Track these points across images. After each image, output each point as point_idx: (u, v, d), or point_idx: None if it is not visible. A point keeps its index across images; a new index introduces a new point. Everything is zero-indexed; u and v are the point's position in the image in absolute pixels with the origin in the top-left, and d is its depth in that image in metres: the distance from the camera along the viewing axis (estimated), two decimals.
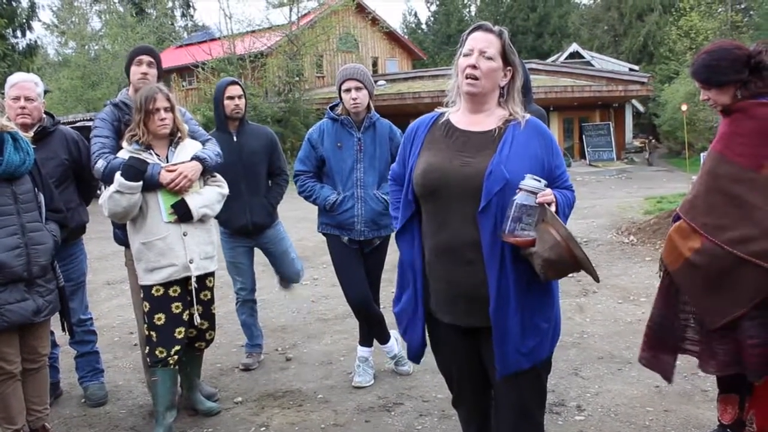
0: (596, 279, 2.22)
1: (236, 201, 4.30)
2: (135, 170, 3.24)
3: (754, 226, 2.62)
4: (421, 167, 2.31)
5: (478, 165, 2.21)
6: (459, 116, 2.38)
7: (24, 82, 3.71)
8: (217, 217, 4.40)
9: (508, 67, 2.32)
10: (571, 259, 2.10)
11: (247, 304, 4.59)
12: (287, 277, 4.68)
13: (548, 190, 2.16)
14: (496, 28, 2.32)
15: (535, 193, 2.13)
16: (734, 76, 2.73)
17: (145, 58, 3.64)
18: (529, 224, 2.12)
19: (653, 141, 29.03)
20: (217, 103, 4.38)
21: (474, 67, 2.25)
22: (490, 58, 2.26)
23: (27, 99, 3.66)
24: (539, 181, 2.15)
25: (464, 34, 2.35)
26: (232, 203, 4.31)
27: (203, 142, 3.64)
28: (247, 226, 4.38)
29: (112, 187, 3.24)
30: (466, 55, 2.28)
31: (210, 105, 23.08)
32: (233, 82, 4.43)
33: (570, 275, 2.29)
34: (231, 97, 4.35)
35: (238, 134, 4.40)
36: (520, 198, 2.12)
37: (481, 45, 2.26)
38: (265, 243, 4.52)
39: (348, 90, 3.88)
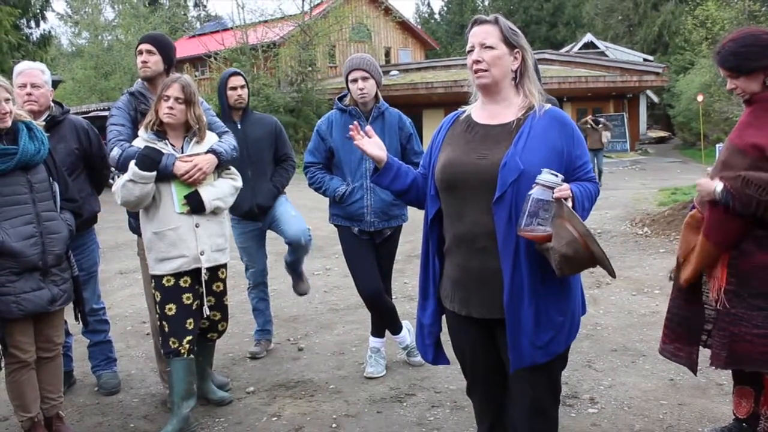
0: (612, 275, 2.19)
1: (243, 187, 4.31)
2: (150, 160, 3.23)
3: None
4: (441, 162, 2.35)
5: (494, 157, 2.23)
6: (479, 110, 2.40)
7: (30, 69, 3.72)
8: None
9: (516, 50, 2.31)
10: (588, 255, 2.08)
11: (258, 287, 4.60)
12: (293, 237, 4.39)
13: (565, 185, 2.13)
14: (491, 16, 2.34)
15: (552, 188, 2.10)
16: (765, 62, 2.69)
17: (144, 46, 3.65)
18: (546, 219, 2.10)
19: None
20: (221, 93, 4.43)
21: (478, 61, 2.28)
22: (491, 47, 2.27)
23: (33, 86, 3.66)
24: (556, 175, 2.11)
25: (465, 33, 2.39)
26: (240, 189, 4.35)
27: (220, 134, 3.63)
28: (253, 210, 4.41)
29: (126, 176, 3.24)
30: (469, 52, 2.32)
31: None
32: (235, 73, 4.48)
33: None
34: (233, 88, 4.40)
35: (242, 123, 4.46)
36: (536, 193, 2.09)
37: (479, 38, 2.29)
38: (270, 221, 4.51)
39: (354, 80, 3.87)
